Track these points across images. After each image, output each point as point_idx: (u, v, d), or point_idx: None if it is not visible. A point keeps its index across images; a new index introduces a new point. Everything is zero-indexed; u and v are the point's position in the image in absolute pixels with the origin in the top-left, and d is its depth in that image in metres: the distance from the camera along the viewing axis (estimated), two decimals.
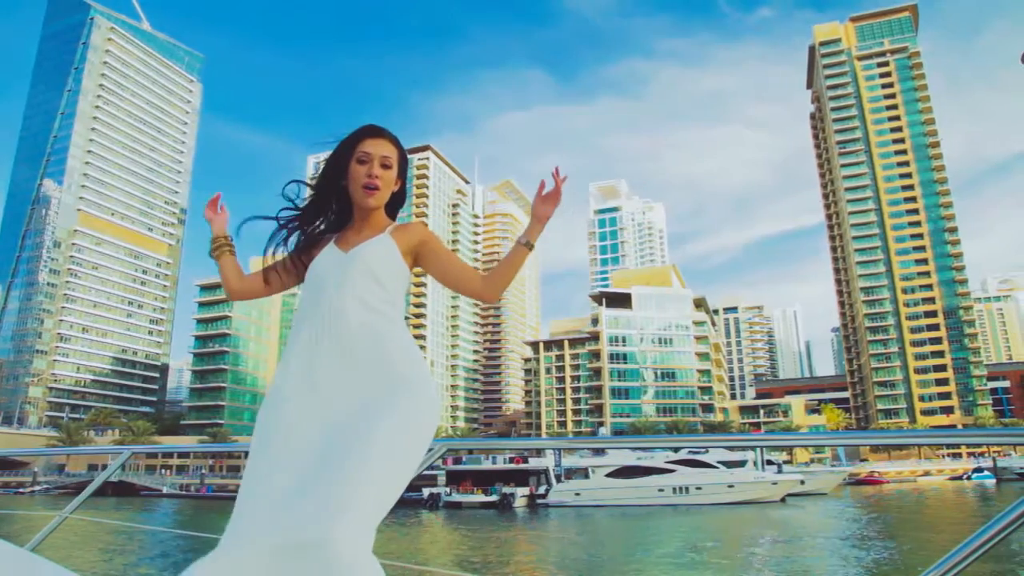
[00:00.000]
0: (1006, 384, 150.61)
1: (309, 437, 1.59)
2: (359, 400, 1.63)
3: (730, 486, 47.88)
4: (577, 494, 50.19)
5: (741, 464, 54.60)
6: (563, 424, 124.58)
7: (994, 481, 76.05)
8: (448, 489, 53.99)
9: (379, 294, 1.77)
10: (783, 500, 49.45)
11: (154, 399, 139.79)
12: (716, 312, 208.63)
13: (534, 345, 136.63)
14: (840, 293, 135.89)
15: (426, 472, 63.61)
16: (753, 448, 55.66)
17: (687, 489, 48.24)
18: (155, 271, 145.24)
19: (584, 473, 52.21)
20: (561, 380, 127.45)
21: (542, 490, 52.88)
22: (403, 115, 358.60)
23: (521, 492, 51.71)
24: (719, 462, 54.37)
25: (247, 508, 1.51)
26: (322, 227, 1.95)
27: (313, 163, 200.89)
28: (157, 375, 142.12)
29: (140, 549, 24.27)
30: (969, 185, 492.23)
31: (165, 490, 77.73)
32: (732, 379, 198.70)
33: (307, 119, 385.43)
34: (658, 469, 49.37)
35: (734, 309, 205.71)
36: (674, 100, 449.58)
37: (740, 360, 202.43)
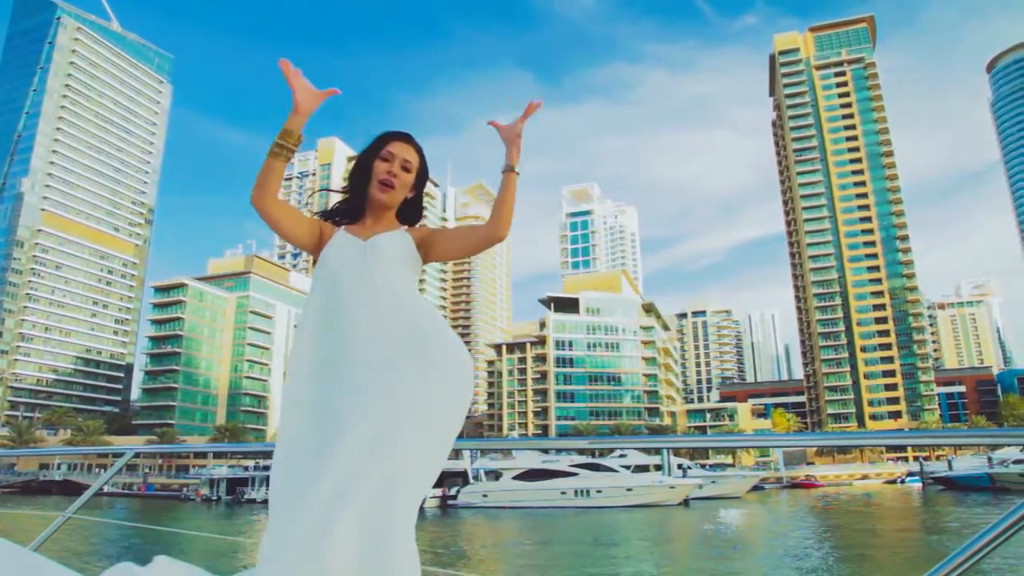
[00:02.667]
0: (961, 389, 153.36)
1: (347, 426, 1.61)
2: (393, 382, 1.66)
3: (629, 489, 49.25)
4: (485, 495, 51.48)
5: (658, 468, 56.18)
6: (524, 426, 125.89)
7: (920, 485, 77.74)
8: None
9: (402, 276, 1.87)
10: (686, 504, 50.79)
11: (118, 399, 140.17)
12: (684, 316, 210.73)
13: (497, 348, 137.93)
14: (798, 299, 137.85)
15: None
16: (659, 451, 57.22)
17: (588, 492, 49.62)
18: (121, 271, 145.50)
19: (496, 475, 53.59)
20: (523, 383, 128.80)
21: (454, 491, 54.12)
22: (388, 116, 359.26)
23: (432, 493, 52.90)
24: (637, 466, 56.02)
25: (291, 516, 1.52)
26: (338, 218, 2.07)
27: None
28: (122, 375, 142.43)
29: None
30: (950, 191, 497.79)
31: (107, 489, 78.48)
32: (699, 382, 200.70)
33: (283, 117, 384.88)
34: (562, 472, 50.73)
35: (702, 313, 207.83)
36: (660, 104, 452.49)
37: (708, 364, 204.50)
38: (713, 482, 58.63)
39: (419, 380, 1.68)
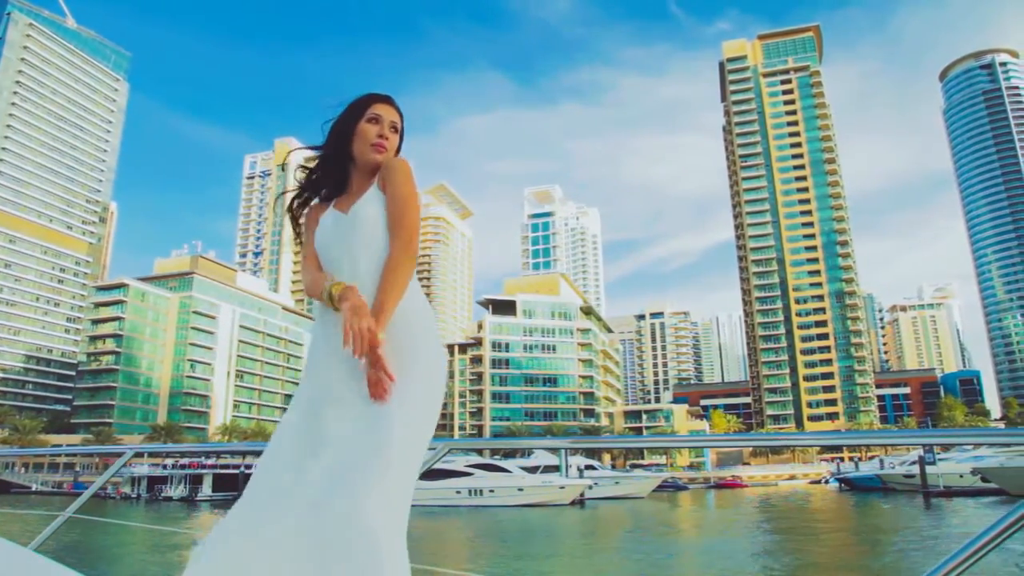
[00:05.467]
0: (906, 391, 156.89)
1: (327, 418, 1.64)
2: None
3: (520, 489, 50.77)
4: None
5: (557, 469, 57.89)
6: (475, 427, 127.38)
7: (836, 486, 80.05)
8: None
9: (380, 249, 1.79)
10: (581, 503, 52.38)
11: (69, 397, 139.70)
12: (643, 317, 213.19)
13: (450, 348, 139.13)
14: (745, 302, 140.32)
15: None
16: (559, 451, 58.80)
17: (481, 491, 51.07)
18: (74, 269, 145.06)
19: None
20: (474, 382, 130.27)
21: None
22: None
23: None
24: (547, 467, 57.76)
25: (265, 489, 1.57)
26: (323, 195, 2.01)
27: (249, 162, 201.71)
28: (73, 373, 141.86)
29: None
30: (918, 195, 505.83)
31: (35, 487, 79.02)
32: (656, 382, 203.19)
33: (262, 115, 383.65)
34: (459, 472, 52.08)
35: (660, 314, 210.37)
36: (635, 107, 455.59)
37: (665, 364, 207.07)
38: (616, 482, 60.42)
39: (400, 376, 1.65)
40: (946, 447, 59.05)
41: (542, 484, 51.29)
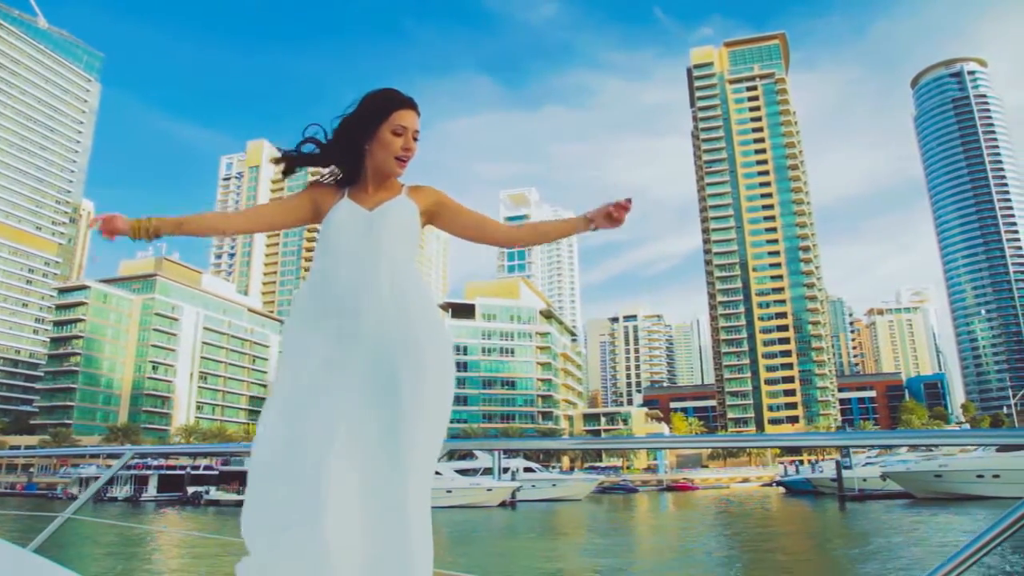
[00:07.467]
0: (872, 394, 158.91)
1: (353, 431, 1.63)
2: (398, 379, 1.67)
3: (448, 491, 51.51)
4: None
5: (489, 471, 58.80)
6: None
7: (782, 489, 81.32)
8: (207, 488, 56.98)
9: (405, 252, 1.84)
10: (512, 506, 53.18)
11: (36, 398, 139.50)
12: (616, 320, 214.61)
13: None
14: (711, 307, 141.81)
15: (201, 472, 66.53)
16: (492, 452, 59.65)
17: None
18: (43, 270, 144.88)
19: None
20: None
21: None
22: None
23: None
24: (486, 469, 58.65)
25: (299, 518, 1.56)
26: (333, 179, 1.98)
27: (225, 163, 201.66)
28: (42, 374, 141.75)
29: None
30: (900, 200, 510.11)
31: None
32: (629, 384, 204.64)
33: (240, 116, 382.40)
34: None
35: (633, 317, 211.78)
36: (619, 111, 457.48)
37: (638, 366, 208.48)
38: (553, 485, 61.32)
39: (419, 377, 1.68)
40: (888, 449, 60.30)
41: (470, 486, 52.09)
